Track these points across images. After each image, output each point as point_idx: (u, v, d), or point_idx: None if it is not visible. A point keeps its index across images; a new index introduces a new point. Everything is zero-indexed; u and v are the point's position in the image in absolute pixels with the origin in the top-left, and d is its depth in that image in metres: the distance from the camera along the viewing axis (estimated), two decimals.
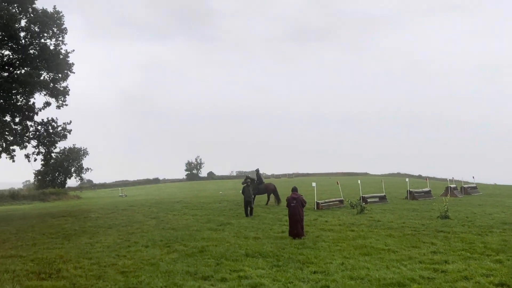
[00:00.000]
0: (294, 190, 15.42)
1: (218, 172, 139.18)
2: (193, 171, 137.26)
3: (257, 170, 29.38)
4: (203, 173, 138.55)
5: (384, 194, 30.17)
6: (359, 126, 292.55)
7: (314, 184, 25.87)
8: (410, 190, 31.66)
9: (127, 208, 27.00)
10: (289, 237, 14.64)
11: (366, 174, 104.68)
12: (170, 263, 10.76)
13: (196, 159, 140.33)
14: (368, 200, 27.30)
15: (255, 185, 26.80)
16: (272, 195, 28.39)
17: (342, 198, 27.07)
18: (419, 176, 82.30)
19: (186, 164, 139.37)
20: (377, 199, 28.66)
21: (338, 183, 30.40)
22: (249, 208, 21.95)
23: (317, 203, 24.77)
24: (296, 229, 14.62)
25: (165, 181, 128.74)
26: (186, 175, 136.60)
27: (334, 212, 23.01)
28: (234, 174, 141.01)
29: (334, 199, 27.09)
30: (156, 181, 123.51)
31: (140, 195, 50.06)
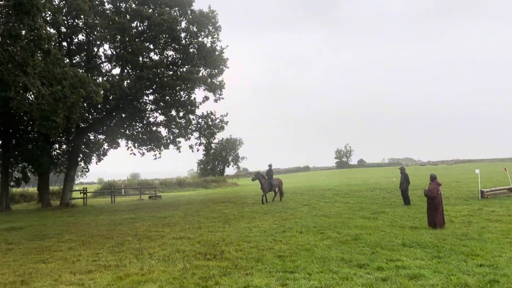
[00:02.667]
0: (435, 178, 14.52)
1: (369, 159, 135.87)
2: (343, 159, 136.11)
3: (270, 166, 27.35)
4: (353, 160, 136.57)
5: None
6: None
7: (477, 171, 23.63)
8: None
9: None
10: (447, 228, 13.58)
11: None
12: (324, 250, 10.78)
13: (345, 147, 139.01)
14: None
15: (268, 181, 25.70)
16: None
17: (511, 186, 24.25)
18: None
19: (336, 152, 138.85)
20: None
21: (506, 170, 27.31)
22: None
23: (482, 192, 22.54)
24: (442, 218, 14.02)
25: (315, 169, 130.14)
26: (335, 163, 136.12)
27: (502, 201, 20.71)
28: (386, 161, 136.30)
29: (502, 187, 24.36)
30: (306, 169, 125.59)
31: (291, 183, 51.32)
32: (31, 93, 21.14)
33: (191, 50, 32.30)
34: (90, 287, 8.02)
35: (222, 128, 35.67)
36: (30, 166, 34.25)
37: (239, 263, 9.53)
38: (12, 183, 34.59)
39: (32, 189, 46.24)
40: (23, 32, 19.01)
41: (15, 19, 18.28)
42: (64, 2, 29.56)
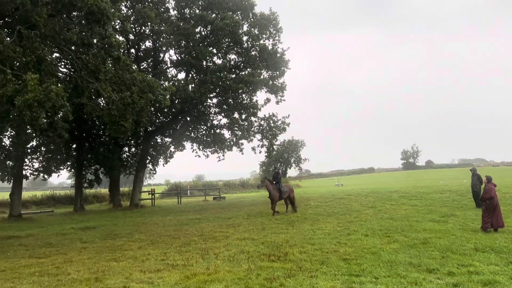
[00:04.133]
0: (491, 179, 14.17)
1: (437, 160, 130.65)
2: (409, 160, 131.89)
3: (277, 169, 25.11)
4: (421, 161, 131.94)
5: None
6: None
7: None
8: None
9: (344, 197, 27.44)
10: None
11: None
12: (391, 253, 10.48)
13: (412, 147, 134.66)
14: None
15: (275, 186, 22.28)
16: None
17: None
18: None
19: (402, 152, 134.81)
20: None
21: None
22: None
23: None
24: (501, 219, 13.55)
25: (379, 170, 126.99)
26: (402, 164, 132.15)
27: None
28: (456, 162, 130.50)
29: None
30: (370, 170, 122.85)
31: (355, 185, 50.41)
32: (102, 98, 22.21)
33: (253, 53, 32.59)
34: (159, 285, 8.28)
35: (284, 129, 35.67)
36: (102, 168, 36.00)
37: (303, 265, 9.49)
38: (85, 185, 36.51)
39: (104, 190, 48.52)
40: (95, 40, 20.01)
41: (87, 28, 19.29)
42: (132, 10, 30.91)
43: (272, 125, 35.35)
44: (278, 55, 32.76)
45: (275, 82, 34.16)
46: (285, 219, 18.87)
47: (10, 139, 26.10)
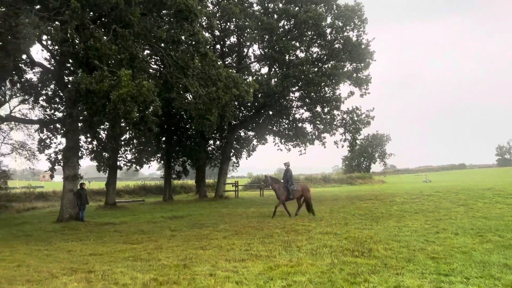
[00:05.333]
0: None
1: None
2: (505, 156, 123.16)
3: (287, 165, 21.04)
4: None
5: None
6: None
7: None
8: None
9: (432, 194, 26.25)
10: None
11: None
12: (484, 254, 9.87)
13: (508, 143, 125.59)
14: None
15: (283, 185, 20.07)
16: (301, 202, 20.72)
17: None
18: None
19: (497, 148, 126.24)
20: None
21: None
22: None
23: None
24: None
25: (471, 166, 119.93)
26: (496, 161, 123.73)
27: None
28: None
29: None
30: (461, 166, 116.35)
31: (444, 181, 47.96)
32: (189, 93, 23.09)
33: (336, 45, 32.07)
34: (244, 274, 8.47)
35: (368, 123, 34.81)
36: (189, 160, 37.48)
37: (388, 262, 9.23)
38: (173, 176, 38.30)
39: (191, 181, 50.47)
40: (183, 37, 20.83)
41: (176, 26, 20.13)
42: (217, 7, 31.74)
43: (356, 118, 34.64)
44: (363, 46, 31.93)
45: (359, 75, 33.43)
46: (369, 215, 18.46)
47: (106, 132, 27.97)
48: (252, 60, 36.05)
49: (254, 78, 32.63)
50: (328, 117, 34.39)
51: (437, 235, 12.66)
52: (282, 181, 20.46)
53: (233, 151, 39.35)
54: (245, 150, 40.80)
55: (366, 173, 68.56)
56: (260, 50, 34.09)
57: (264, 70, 35.92)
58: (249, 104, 33.49)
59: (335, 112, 34.59)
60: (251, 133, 40.12)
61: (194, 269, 9.12)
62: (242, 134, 40.28)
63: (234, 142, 38.67)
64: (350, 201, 26.01)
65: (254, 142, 40.37)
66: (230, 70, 23.13)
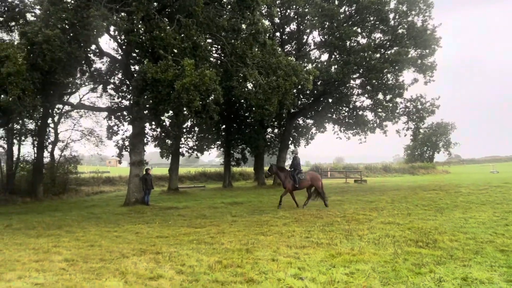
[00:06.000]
0: None
1: None
2: None
3: (295, 154, 20.56)
4: None
5: None
6: None
7: None
8: None
9: (501, 185, 25.06)
10: None
11: None
12: None
13: None
14: None
15: (290, 174, 19.09)
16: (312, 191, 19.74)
17: None
18: None
19: None
20: None
21: None
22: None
23: None
24: None
25: None
26: None
27: None
28: None
29: None
30: None
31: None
32: (249, 82, 23.32)
33: (400, 30, 31.10)
34: (306, 261, 8.56)
35: (433, 112, 33.63)
36: (248, 148, 37.93)
37: (454, 254, 8.98)
38: (233, 163, 38.94)
39: (249, 169, 51.07)
40: (244, 26, 21.01)
41: (238, 14, 20.34)
42: None
43: (420, 107, 33.58)
44: (428, 32, 30.74)
45: (424, 61, 32.23)
46: (433, 206, 17.92)
47: (170, 120, 28.85)
48: (312, 47, 35.74)
49: (314, 65, 32.36)
50: (390, 105, 33.52)
51: (506, 228, 12.12)
52: (291, 169, 19.39)
53: (291, 139, 39.35)
54: (303, 138, 40.69)
55: (429, 163, 66.41)
56: (320, 37, 33.70)
57: (324, 57, 35.61)
58: (308, 92, 33.26)
59: (398, 99, 33.66)
60: (309, 121, 39.92)
61: (256, 253, 9.31)
62: (301, 122, 40.16)
63: (293, 130, 38.66)
64: (413, 191, 25.34)
65: (313, 130, 40.16)
66: (290, 58, 23.09)
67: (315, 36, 42.29)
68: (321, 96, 34.52)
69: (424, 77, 32.61)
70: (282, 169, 20.04)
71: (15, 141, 31.91)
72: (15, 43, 18.13)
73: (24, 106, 17.20)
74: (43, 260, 9.09)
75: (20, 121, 27.46)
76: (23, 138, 31.95)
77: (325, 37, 32.42)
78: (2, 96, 16.87)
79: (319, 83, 31.60)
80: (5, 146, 31.77)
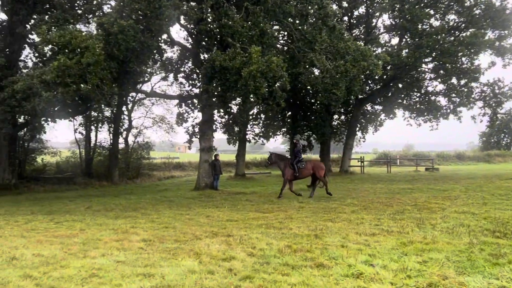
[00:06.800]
0: None
1: None
2: None
3: (296, 141, 20.55)
4: None
5: None
6: None
7: None
8: None
9: None
10: None
11: None
12: None
13: None
14: None
15: (285, 162, 18.58)
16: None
17: None
18: None
19: None
20: None
21: None
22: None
23: None
24: None
25: None
26: None
27: None
28: None
29: None
30: None
31: None
32: (316, 68, 23.14)
33: (476, 11, 29.43)
34: (376, 248, 8.48)
35: (511, 96, 31.71)
36: (314, 135, 37.73)
37: None
38: None
39: (315, 156, 50.81)
40: (311, 11, 20.82)
41: (305, 0, 20.18)
42: None
43: (497, 91, 31.78)
44: (508, 11, 28.85)
45: (502, 43, 30.34)
46: (510, 195, 17.00)
47: (237, 107, 29.31)
48: (381, 31, 34.72)
49: (383, 49, 31.48)
50: (465, 89, 31.99)
51: None
52: (291, 157, 19.22)
53: (358, 126, 38.65)
54: (371, 125, 39.83)
55: (507, 151, 62.68)
56: (390, 20, 32.70)
57: (394, 41, 34.46)
58: (376, 77, 32.45)
59: (473, 84, 32.04)
60: (378, 107, 38.95)
61: (325, 239, 9.34)
62: (369, 108, 39.30)
63: (361, 117, 37.94)
64: (489, 180, 24.12)
65: (382, 116, 39.18)
66: (358, 43, 22.61)
67: (384, 20, 41.15)
68: (391, 81, 33.56)
69: (502, 60, 30.76)
70: (282, 157, 19.61)
71: (92, 128, 33.92)
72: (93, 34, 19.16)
73: (102, 95, 18.19)
74: (123, 240, 9.66)
75: (98, 109, 29.02)
76: (100, 125, 33.87)
77: (396, 20, 31.39)
78: (82, 85, 17.88)
79: (388, 68, 30.71)
80: (84, 132, 33.85)
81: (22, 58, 26.73)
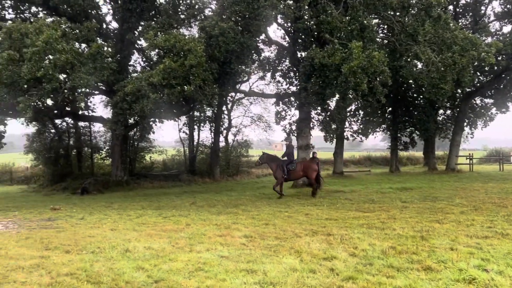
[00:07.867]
0: None
1: None
2: None
3: (288, 142, 20.58)
4: None
5: None
6: None
7: None
8: None
9: None
10: None
11: None
12: None
13: None
14: None
15: (279, 163, 18.57)
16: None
17: None
18: None
19: None
20: None
21: None
22: None
23: None
24: None
25: None
26: None
27: None
28: None
29: None
30: None
31: None
32: (419, 61, 22.04)
33: None
34: (489, 252, 7.88)
35: None
36: (417, 131, 35.99)
37: None
38: (400, 147, 37.34)
39: (418, 153, 48.56)
40: (413, 1, 19.87)
41: None
42: None
43: None
44: None
45: None
46: None
47: (335, 104, 28.90)
48: (491, 19, 32.13)
49: (494, 38, 29.13)
50: None
51: None
52: (284, 158, 19.17)
53: (466, 121, 36.11)
54: (480, 119, 37.02)
55: None
56: (501, 6, 30.14)
57: (507, 29, 31.79)
58: (486, 69, 30.07)
59: None
60: (488, 101, 36.07)
61: (432, 241, 8.88)
62: (478, 101, 36.55)
63: (469, 111, 35.43)
64: None
65: (493, 110, 36.22)
66: (466, 32, 21.15)
67: (494, 6, 38.02)
68: (503, 72, 30.90)
69: None
70: (274, 159, 19.42)
71: (195, 127, 35.51)
72: (195, 37, 20.01)
73: (204, 95, 18.95)
74: (226, 235, 9.98)
75: (200, 109, 30.27)
76: (202, 124, 35.36)
77: (508, 6, 28.87)
78: (186, 86, 18.76)
79: (499, 58, 28.33)
80: (187, 132, 35.57)
81: (131, 63, 28.73)
